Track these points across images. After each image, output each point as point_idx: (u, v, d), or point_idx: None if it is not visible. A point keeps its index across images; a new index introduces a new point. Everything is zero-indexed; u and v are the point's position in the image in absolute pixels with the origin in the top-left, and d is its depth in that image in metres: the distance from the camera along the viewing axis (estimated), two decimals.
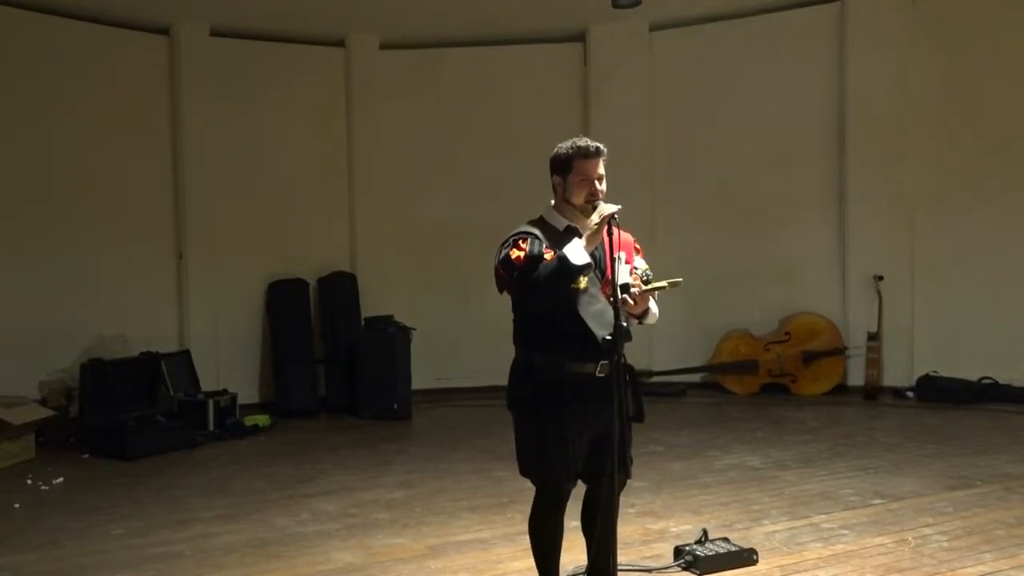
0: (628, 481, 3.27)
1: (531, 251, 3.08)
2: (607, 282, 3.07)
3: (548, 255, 3.06)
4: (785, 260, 8.84)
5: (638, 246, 3.35)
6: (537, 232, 3.17)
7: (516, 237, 3.15)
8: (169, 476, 6.18)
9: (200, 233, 8.55)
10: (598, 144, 3.21)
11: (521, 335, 3.25)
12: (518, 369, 3.25)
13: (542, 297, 3.08)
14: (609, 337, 2.97)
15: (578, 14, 8.83)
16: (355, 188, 9.23)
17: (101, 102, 8.11)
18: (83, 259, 7.92)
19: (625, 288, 2.98)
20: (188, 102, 8.49)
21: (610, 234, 3.01)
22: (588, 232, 3.06)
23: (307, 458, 6.64)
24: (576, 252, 2.99)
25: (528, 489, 3.37)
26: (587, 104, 9.27)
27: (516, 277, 3.09)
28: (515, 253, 3.09)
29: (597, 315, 3.08)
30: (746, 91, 8.94)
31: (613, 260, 2.98)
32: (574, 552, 3.55)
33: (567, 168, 3.19)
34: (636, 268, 3.23)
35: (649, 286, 3.03)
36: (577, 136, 3.30)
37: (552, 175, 3.25)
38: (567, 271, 2.98)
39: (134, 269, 8.28)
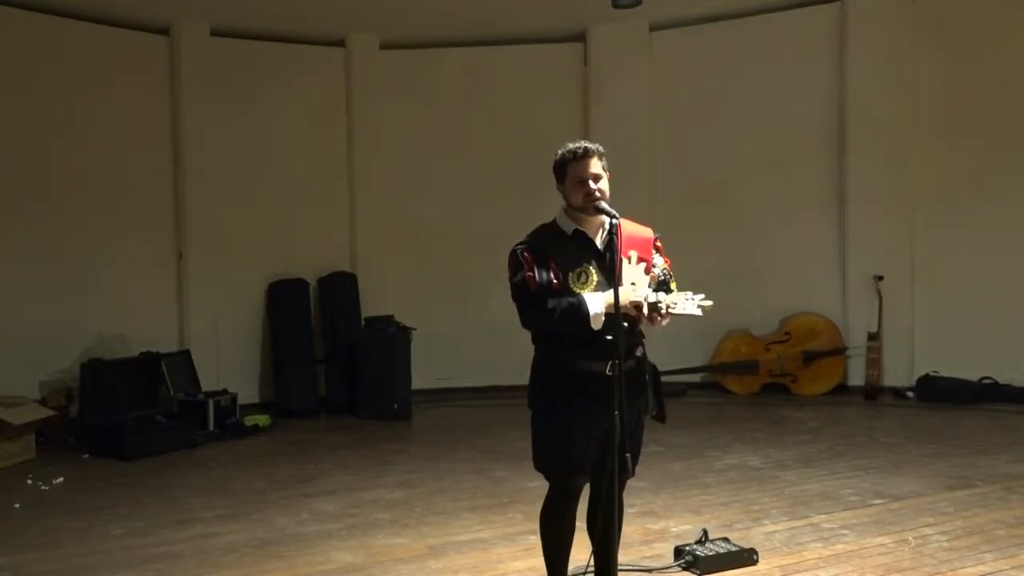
0: (628, 481, 3.27)
1: (539, 280, 3.13)
2: (618, 279, 3.09)
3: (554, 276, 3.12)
4: (785, 260, 8.84)
5: (659, 244, 3.35)
6: (535, 244, 3.20)
7: (519, 254, 3.19)
8: (169, 476, 6.18)
9: (200, 233, 8.55)
10: (587, 145, 3.22)
11: (537, 335, 3.29)
12: (535, 367, 3.31)
13: (551, 329, 3.18)
14: (610, 337, 2.99)
15: (578, 14, 8.82)
16: (355, 188, 9.23)
17: (101, 102, 8.10)
18: (83, 259, 7.91)
19: (654, 307, 2.99)
20: (188, 102, 8.49)
21: (611, 236, 3.06)
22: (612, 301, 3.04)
23: (307, 458, 6.64)
24: (597, 321, 3.04)
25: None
26: (587, 104, 9.26)
27: (525, 302, 3.16)
28: (531, 277, 3.14)
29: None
30: (746, 91, 8.94)
31: (620, 261, 3.06)
32: (575, 551, 3.54)
33: (563, 173, 3.24)
34: (654, 266, 3.24)
35: (677, 311, 3.00)
36: (576, 139, 3.31)
37: (556, 184, 3.29)
38: (582, 320, 3.05)
39: (134, 269, 8.28)
